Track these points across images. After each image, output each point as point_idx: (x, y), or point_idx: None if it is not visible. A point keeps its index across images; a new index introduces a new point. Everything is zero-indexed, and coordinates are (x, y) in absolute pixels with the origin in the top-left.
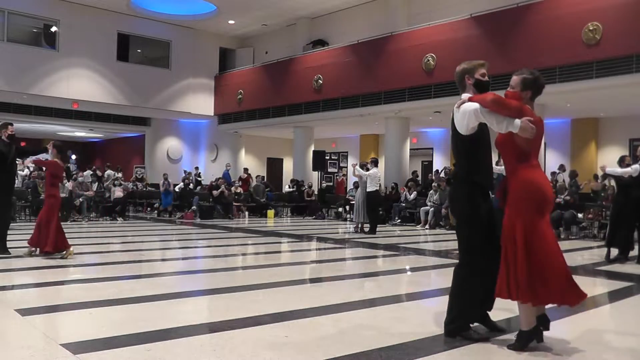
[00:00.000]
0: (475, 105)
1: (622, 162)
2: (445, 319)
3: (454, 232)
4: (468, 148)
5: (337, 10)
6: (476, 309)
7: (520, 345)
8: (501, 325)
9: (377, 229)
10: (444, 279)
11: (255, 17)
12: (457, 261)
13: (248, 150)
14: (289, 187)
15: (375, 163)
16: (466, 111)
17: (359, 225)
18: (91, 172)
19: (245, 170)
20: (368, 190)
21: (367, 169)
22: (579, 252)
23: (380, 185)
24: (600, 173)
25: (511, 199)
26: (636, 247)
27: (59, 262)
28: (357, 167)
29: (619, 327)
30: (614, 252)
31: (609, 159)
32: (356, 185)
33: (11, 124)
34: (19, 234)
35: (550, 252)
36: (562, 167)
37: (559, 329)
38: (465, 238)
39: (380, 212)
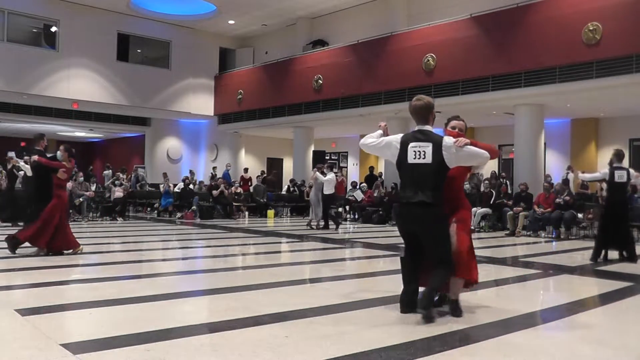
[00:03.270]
0: (487, 154)
1: (621, 159)
2: (423, 302)
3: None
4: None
5: (337, 10)
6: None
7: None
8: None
9: (381, 228)
10: None
11: (255, 17)
12: (437, 262)
13: (248, 150)
14: (290, 187)
15: (331, 168)
16: (480, 157)
17: (317, 222)
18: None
19: (246, 170)
20: (325, 193)
21: (324, 174)
22: (579, 252)
23: (335, 189)
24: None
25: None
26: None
27: (59, 262)
28: (317, 172)
29: (619, 327)
30: (613, 253)
31: (608, 159)
32: (311, 186)
33: (44, 135)
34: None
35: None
36: (570, 168)
37: (559, 329)
38: (443, 248)
39: (338, 211)
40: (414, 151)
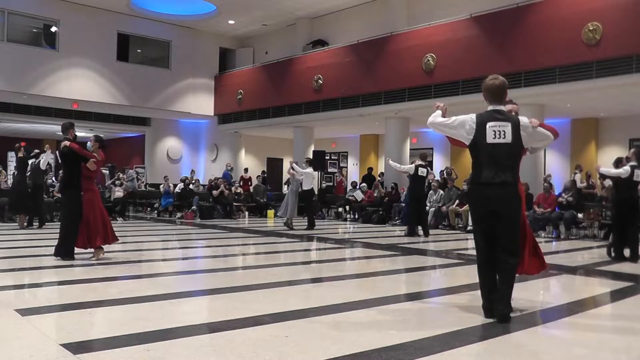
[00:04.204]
0: (552, 136)
1: (619, 163)
2: (501, 306)
3: (454, 232)
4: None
5: (337, 10)
6: None
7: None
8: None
9: (381, 228)
10: (444, 279)
11: (255, 17)
12: (509, 254)
13: (248, 150)
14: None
15: (309, 163)
16: (549, 138)
17: (289, 220)
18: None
19: (246, 170)
20: (304, 188)
21: (302, 168)
22: (579, 252)
23: (313, 184)
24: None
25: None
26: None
27: (59, 262)
28: (295, 165)
29: (619, 327)
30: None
31: (608, 159)
32: (287, 183)
33: (74, 124)
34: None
35: None
36: (578, 167)
37: (559, 329)
38: (517, 234)
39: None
40: (494, 130)
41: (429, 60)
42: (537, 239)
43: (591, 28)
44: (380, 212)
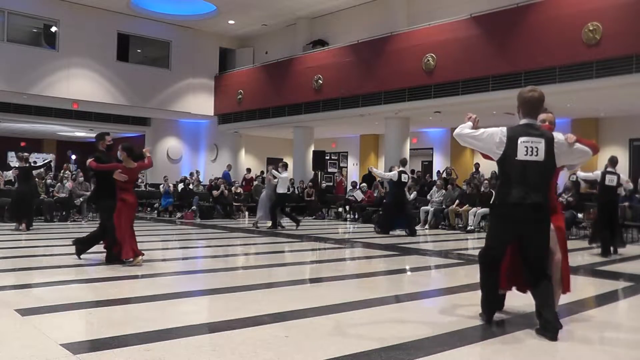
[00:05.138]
0: (591, 152)
1: (615, 164)
2: (554, 322)
3: (454, 232)
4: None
5: (337, 10)
6: None
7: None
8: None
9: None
10: (444, 279)
11: (255, 17)
12: (544, 275)
13: (248, 150)
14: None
15: (285, 167)
16: (587, 155)
17: (257, 222)
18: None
19: (249, 170)
20: (279, 192)
21: (278, 172)
22: (579, 252)
23: (289, 188)
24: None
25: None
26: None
27: (59, 262)
28: (273, 170)
29: (619, 327)
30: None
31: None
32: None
33: (108, 134)
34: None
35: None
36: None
37: (560, 329)
38: (546, 257)
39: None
40: (525, 147)
41: (429, 60)
42: None
43: (591, 28)
44: (381, 212)
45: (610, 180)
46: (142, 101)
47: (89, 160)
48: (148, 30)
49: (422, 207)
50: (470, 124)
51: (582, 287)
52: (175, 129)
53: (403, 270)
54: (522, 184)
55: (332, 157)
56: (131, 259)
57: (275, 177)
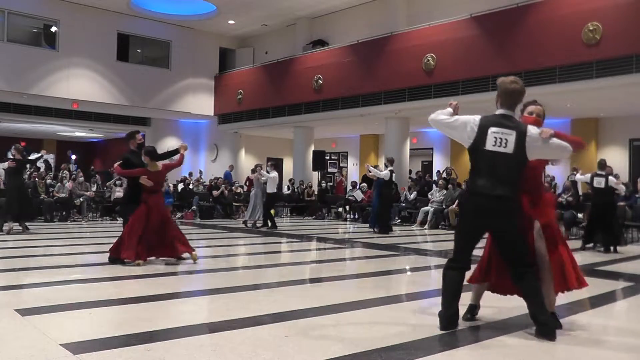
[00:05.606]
0: (570, 148)
1: (603, 167)
2: (543, 319)
3: (454, 232)
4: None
5: (337, 10)
6: None
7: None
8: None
9: None
10: None
11: (255, 17)
12: (526, 266)
13: (248, 150)
14: (289, 188)
15: (273, 167)
16: (565, 151)
17: (253, 222)
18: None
19: (253, 170)
20: (268, 191)
21: (267, 172)
22: (579, 252)
23: (278, 187)
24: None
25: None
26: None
27: (59, 262)
28: (263, 170)
29: (619, 327)
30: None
31: (608, 159)
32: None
33: (138, 132)
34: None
35: None
36: (575, 169)
37: (559, 329)
38: (526, 248)
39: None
40: (495, 137)
41: (429, 60)
42: None
43: (591, 28)
44: (371, 211)
45: (598, 182)
46: (142, 101)
47: (115, 165)
48: (148, 30)
49: (422, 208)
50: (450, 110)
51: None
52: (175, 129)
53: (403, 270)
54: (489, 175)
55: (332, 157)
56: (131, 261)
57: (262, 176)
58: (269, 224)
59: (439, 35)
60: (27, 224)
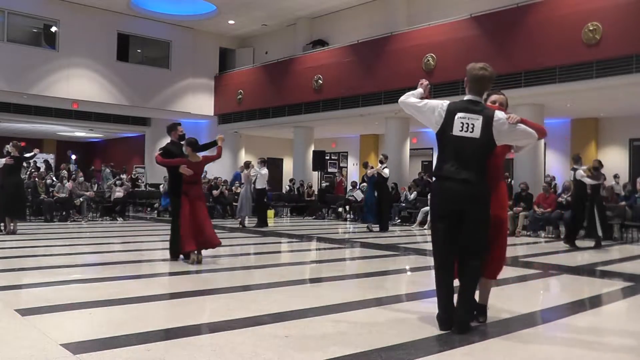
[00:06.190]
0: (536, 134)
1: (578, 161)
2: (461, 312)
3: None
4: (489, 157)
5: (337, 10)
6: None
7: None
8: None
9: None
10: None
11: (255, 17)
12: (472, 256)
13: (248, 150)
14: (291, 189)
15: (264, 163)
16: (531, 136)
17: (242, 219)
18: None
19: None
20: (257, 187)
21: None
22: (579, 252)
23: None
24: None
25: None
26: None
27: (59, 262)
28: (252, 167)
29: (619, 327)
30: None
31: (608, 159)
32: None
33: (179, 124)
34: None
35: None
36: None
37: (559, 329)
38: (483, 237)
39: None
40: (461, 122)
41: (429, 60)
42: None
43: (591, 28)
44: (365, 210)
45: (571, 176)
46: (142, 101)
47: (156, 154)
48: (148, 30)
49: (423, 208)
50: (420, 90)
51: (582, 287)
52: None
53: (403, 270)
54: (455, 159)
55: (332, 157)
56: (192, 252)
57: (253, 174)
58: (261, 222)
59: (439, 35)
60: (17, 225)
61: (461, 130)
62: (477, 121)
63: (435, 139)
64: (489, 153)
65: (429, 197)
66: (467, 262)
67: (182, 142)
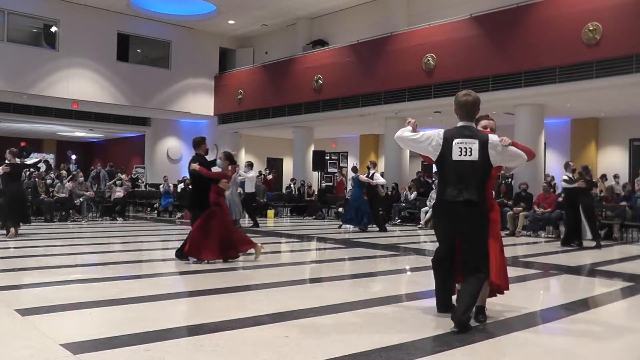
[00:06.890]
0: (525, 156)
1: (566, 167)
2: (460, 312)
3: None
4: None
5: (337, 10)
6: None
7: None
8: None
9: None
10: None
11: (255, 17)
12: (477, 269)
13: (248, 150)
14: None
15: (250, 166)
16: (521, 158)
17: (237, 222)
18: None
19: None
20: (247, 191)
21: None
22: (579, 252)
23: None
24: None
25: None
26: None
27: (59, 262)
28: (241, 170)
29: (619, 327)
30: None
31: (609, 159)
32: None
33: (205, 139)
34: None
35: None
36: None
37: (559, 329)
38: (485, 253)
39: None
40: (460, 148)
41: (429, 60)
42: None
43: (591, 28)
44: (380, 212)
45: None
46: (142, 101)
47: (195, 165)
48: (148, 30)
49: (423, 208)
50: (410, 128)
51: (582, 287)
52: (175, 129)
53: (403, 270)
54: (456, 183)
55: (332, 157)
56: (209, 260)
57: (240, 177)
58: (254, 224)
59: (439, 36)
60: (19, 228)
61: (460, 155)
62: (474, 145)
63: (435, 166)
64: (487, 173)
65: (430, 195)
66: (471, 274)
67: (206, 156)
